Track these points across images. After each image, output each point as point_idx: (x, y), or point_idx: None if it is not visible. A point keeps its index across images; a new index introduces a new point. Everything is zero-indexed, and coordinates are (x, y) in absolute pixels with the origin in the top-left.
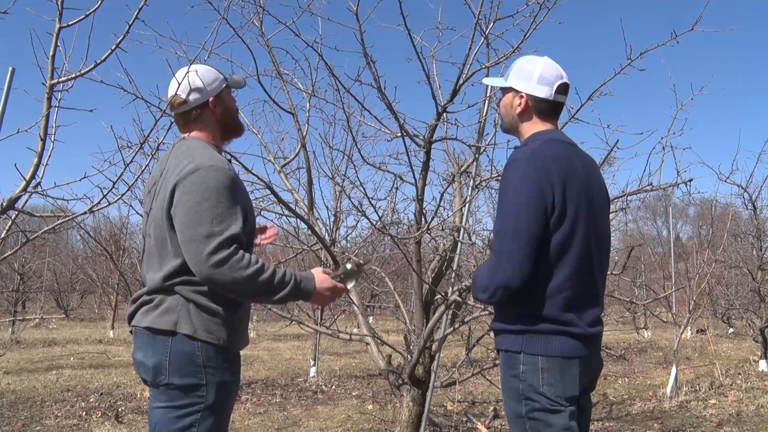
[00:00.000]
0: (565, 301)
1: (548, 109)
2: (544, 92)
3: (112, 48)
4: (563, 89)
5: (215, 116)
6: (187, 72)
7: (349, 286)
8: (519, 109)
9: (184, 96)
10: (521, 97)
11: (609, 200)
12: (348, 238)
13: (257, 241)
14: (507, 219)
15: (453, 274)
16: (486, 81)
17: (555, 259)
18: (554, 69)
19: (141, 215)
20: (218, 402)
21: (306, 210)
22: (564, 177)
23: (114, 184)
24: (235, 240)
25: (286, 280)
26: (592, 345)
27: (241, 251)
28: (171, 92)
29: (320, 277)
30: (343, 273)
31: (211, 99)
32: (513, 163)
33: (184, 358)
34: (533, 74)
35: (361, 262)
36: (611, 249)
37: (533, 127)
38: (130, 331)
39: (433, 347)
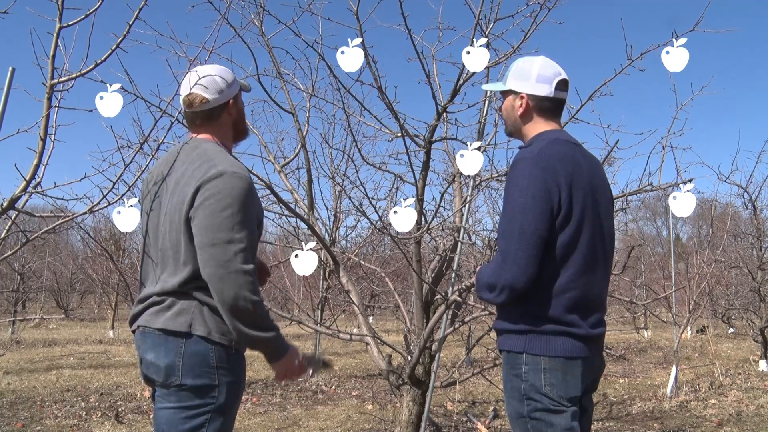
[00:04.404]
0: (568, 301)
1: (551, 106)
2: (545, 90)
3: (113, 48)
4: (563, 85)
5: (231, 118)
6: (188, 72)
7: (309, 371)
8: (520, 111)
9: (206, 95)
10: (521, 98)
11: (613, 200)
12: (348, 238)
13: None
14: (513, 219)
15: (453, 274)
16: (485, 87)
17: (560, 260)
18: (552, 66)
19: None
20: (228, 403)
21: (306, 210)
22: (570, 177)
23: (114, 184)
24: (249, 249)
25: (273, 326)
26: (594, 346)
27: (254, 277)
28: (189, 90)
29: (293, 350)
30: (311, 358)
31: (231, 101)
32: (519, 163)
33: (198, 358)
34: (531, 74)
35: (328, 361)
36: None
37: (537, 127)
38: (133, 331)
39: (433, 347)
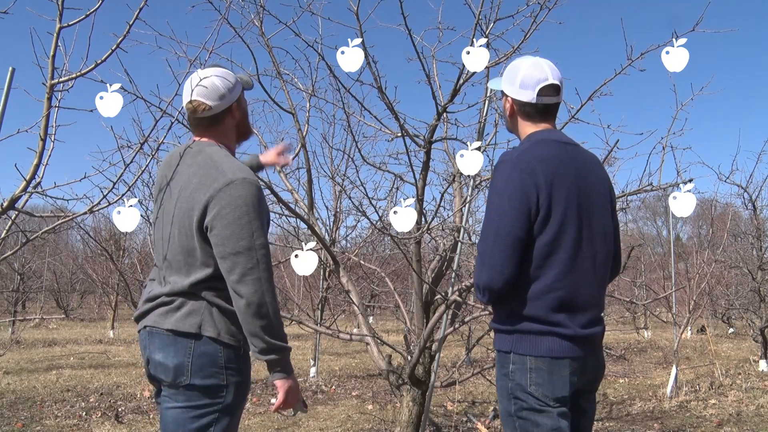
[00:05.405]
0: (553, 301)
1: (534, 112)
2: (527, 96)
3: (113, 48)
4: (548, 91)
5: (235, 120)
6: (189, 76)
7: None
8: (508, 112)
9: (209, 102)
10: (508, 101)
11: (613, 198)
12: (348, 238)
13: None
14: (490, 221)
15: (453, 274)
16: (490, 84)
17: (542, 260)
18: (538, 71)
19: (145, 218)
20: (235, 402)
21: (306, 210)
22: (551, 177)
23: (114, 184)
24: (268, 253)
25: (286, 338)
26: (587, 346)
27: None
28: (192, 96)
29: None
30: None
31: (234, 104)
32: (499, 166)
33: (207, 359)
34: (516, 78)
35: (305, 402)
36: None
37: (525, 128)
38: (139, 330)
39: (433, 347)
